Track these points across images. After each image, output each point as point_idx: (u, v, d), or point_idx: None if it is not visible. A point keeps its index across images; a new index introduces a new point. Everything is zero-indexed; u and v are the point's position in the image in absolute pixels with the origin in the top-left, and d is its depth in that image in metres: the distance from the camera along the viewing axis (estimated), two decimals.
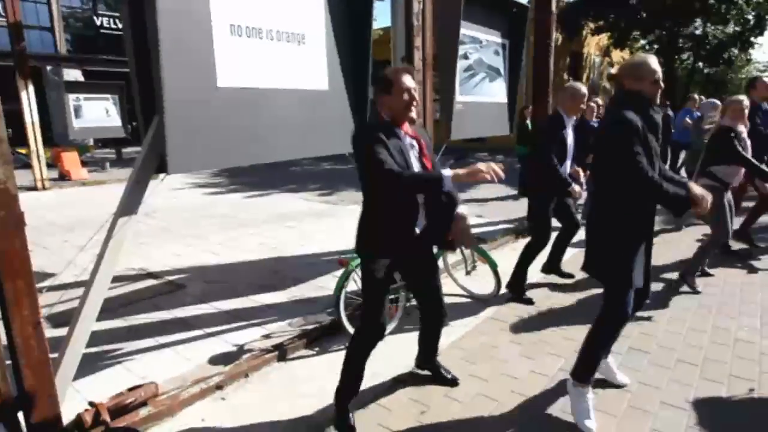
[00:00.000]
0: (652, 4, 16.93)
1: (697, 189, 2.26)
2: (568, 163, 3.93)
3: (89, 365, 3.03)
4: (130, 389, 2.52)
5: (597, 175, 2.49)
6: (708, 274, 4.43)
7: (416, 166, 2.24)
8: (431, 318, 2.67)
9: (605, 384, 2.71)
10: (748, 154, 4.04)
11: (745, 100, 4.07)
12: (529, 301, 3.94)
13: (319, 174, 12.51)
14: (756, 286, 4.21)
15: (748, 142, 4.11)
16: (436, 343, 2.78)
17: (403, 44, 3.75)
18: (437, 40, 4.35)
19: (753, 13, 17.04)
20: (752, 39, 17.82)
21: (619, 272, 2.37)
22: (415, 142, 2.27)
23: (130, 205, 2.32)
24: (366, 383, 2.53)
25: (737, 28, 18.07)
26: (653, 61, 2.32)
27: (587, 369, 2.48)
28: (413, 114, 2.22)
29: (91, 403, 2.36)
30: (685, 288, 4.12)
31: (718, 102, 6.61)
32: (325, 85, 3.10)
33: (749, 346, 3.16)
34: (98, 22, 20.15)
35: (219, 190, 10.53)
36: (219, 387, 2.75)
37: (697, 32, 16.71)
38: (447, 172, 2.03)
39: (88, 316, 2.26)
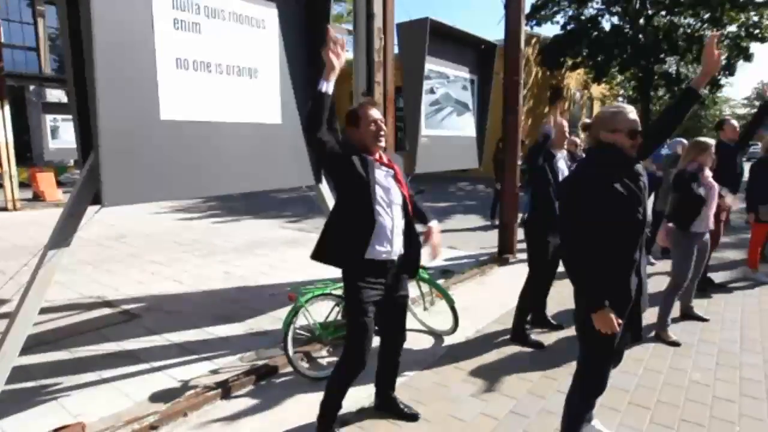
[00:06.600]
0: (626, 43, 17.53)
1: None
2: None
3: (20, 401, 2.90)
4: (55, 430, 2.40)
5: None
6: (703, 318, 4.27)
7: (398, 192, 2.37)
8: (392, 344, 2.67)
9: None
10: (711, 197, 3.79)
11: (712, 144, 3.84)
12: (539, 345, 3.71)
13: (300, 201, 12.42)
14: (716, 324, 4.20)
15: (715, 187, 3.87)
16: (395, 374, 2.79)
17: (365, 79, 3.78)
18: (403, 76, 4.39)
19: (724, 56, 17.74)
20: (722, 80, 18.44)
21: (595, 336, 2.10)
22: (391, 170, 2.39)
23: (61, 237, 2.25)
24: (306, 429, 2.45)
25: None
26: (630, 111, 2.10)
27: None
28: (382, 143, 2.35)
29: None
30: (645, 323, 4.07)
31: (684, 141, 6.77)
32: (278, 119, 3.09)
33: (703, 389, 3.13)
34: None
35: (195, 215, 10.41)
36: (153, 427, 2.63)
37: (671, 70, 17.31)
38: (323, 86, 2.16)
39: (7, 353, 2.16)
